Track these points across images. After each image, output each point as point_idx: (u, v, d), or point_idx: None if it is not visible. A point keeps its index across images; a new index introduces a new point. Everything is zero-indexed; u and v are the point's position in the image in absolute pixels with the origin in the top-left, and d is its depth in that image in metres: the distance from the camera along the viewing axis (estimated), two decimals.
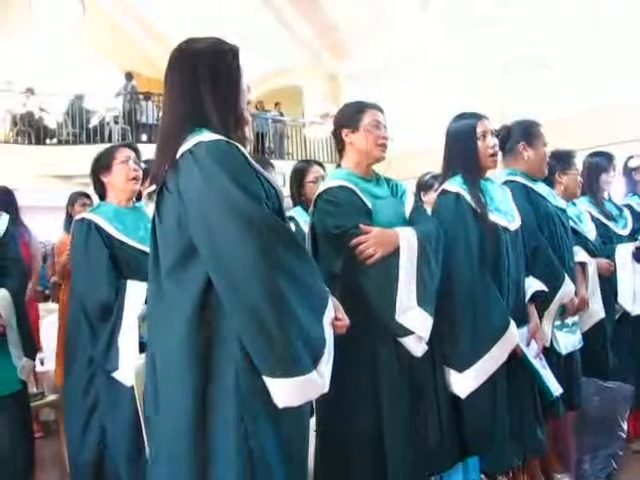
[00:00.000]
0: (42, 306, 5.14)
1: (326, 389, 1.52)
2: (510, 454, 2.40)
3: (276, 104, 14.79)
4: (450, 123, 2.65)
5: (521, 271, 2.59)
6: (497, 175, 2.89)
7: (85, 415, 2.58)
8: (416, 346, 2.18)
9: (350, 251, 2.18)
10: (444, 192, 2.56)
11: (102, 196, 2.88)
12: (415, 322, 2.15)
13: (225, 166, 1.51)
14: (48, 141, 11.88)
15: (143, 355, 2.00)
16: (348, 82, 14.74)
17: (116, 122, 11.89)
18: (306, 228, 2.58)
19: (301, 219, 3.25)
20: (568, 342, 2.85)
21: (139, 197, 2.97)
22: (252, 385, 1.50)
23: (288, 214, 2.18)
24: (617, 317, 3.38)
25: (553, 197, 2.98)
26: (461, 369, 2.34)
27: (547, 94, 10.65)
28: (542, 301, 2.68)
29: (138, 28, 15.50)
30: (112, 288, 2.53)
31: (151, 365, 1.66)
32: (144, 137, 11.79)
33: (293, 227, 2.97)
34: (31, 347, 2.97)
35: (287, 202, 2.07)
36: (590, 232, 3.37)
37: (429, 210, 2.67)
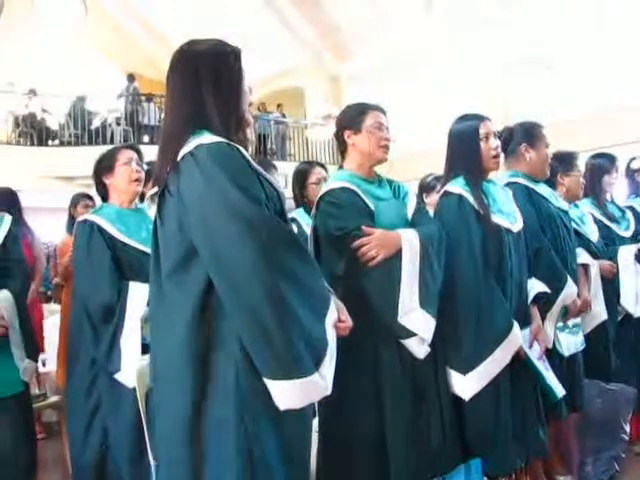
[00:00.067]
0: (44, 307, 5.14)
1: (329, 391, 1.52)
2: (513, 456, 2.40)
3: (278, 105, 14.80)
4: (452, 124, 2.65)
5: (524, 273, 2.59)
6: (499, 177, 2.89)
7: (87, 417, 2.58)
8: (418, 348, 2.18)
9: (352, 253, 2.18)
10: (446, 194, 2.56)
11: (104, 198, 2.89)
12: (417, 324, 2.15)
13: (226, 168, 1.51)
14: (50, 142, 11.90)
15: (145, 357, 2.01)
16: (350, 83, 14.74)
17: (118, 123, 11.91)
18: (308, 230, 2.58)
19: (303, 221, 3.25)
20: (570, 344, 2.85)
21: (142, 198, 2.97)
22: (253, 386, 1.50)
23: (290, 216, 2.18)
24: (619, 319, 3.37)
25: (555, 199, 2.97)
26: (465, 371, 2.34)
27: (550, 96, 10.63)
28: (544, 303, 2.68)
29: (140, 29, 15.53)
30: (114, 289, 2.53)
31: (153, 367, 1.66)
32: (146, 138, 11.81)
33: (295, 229, 2.97)
34: (33, 348, 2.97)
35: (289, 204, 2.07)
36: (592, 234, 3.36)
37: (431, 212, 2.66)
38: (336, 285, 1.99)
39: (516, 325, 2.39)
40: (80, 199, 4.40)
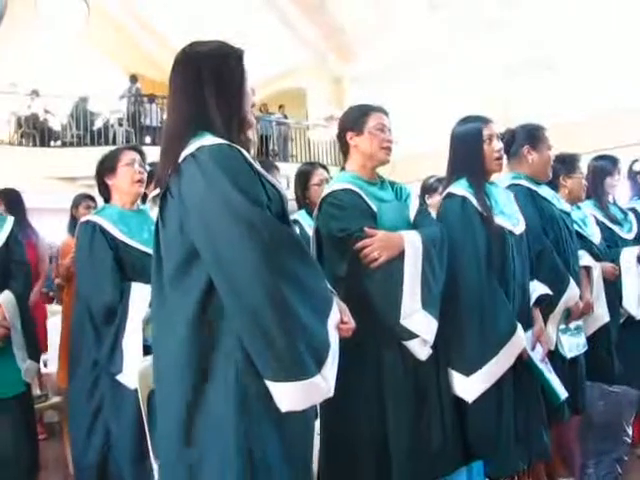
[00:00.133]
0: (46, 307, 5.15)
1: (331, 393, 1.52)
2: (516, 458, 2.39)
3: (280, 107, 14.81)
4: (455, 126, 2.65)
5: (526, 275, 2.59)
6: (501, 179, 2.89)
7: (89, 418, 2.59)
8: (421, 349, 2.18)
9: (355, 254, 2.18)
10: (450, 195, 2.56)
11: (107, 198, 2.89)
12: (420, 325, 2.15)
13: (227, 170, 1.51)
14: (52, 143, 11.94)
15: (147, 358, 2.01)
16: (353, 85, 14.76)
17: (120, 124, 11.94)
18: (310, 231, 2.58)
19: (305, 222, 3.25)
20: (572, 346, 2.84)
21: (144, 200, 2.97)
22: (254, 387, 1.50)
23: (292, 217, 2.18)
24: (622, 321, 3.36)
25: (558, 200, 2.97)
26: (468, 373, 2.34)
27: (552, 97, 10.63)
28: (547, 305, 2.67)
29: (142, 31, 15.58)
30: (117, 290, 2.54)
31: (155, 368, 1.67)
32: (148, 139, 11.83)
33: (297, 230, 2.97)
34: (35, 349, 2.97)
35: (291, 205, 2.07)
36: (595, 236, 3.36)
37: (433, 213, 2.66)
38: (338, 287, 1.98)
39: (519, 327, 2.39)
40: (82, 200, 4.40)
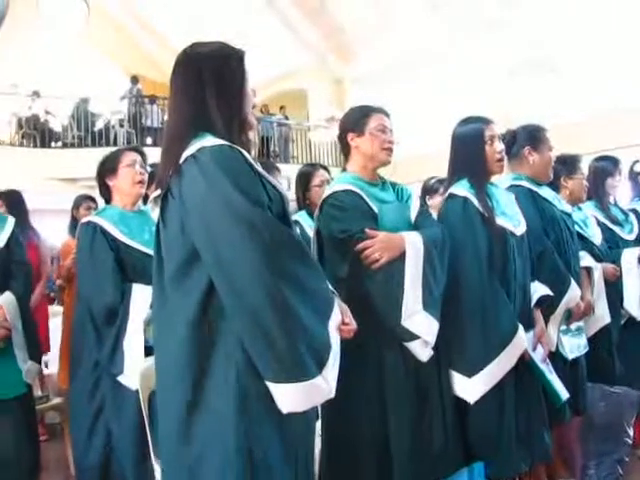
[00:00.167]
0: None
1: (332, 394, 1.52)
2: (517, 459, 2.39)
3: (281, 108, 14.80)
4: (456, 127, 2.65)
5: (527, 276, 2.59)
6: (502, 180, 2.89)
7: (91, 419, 2.59)
8: (422, 351, 2.18)
9: (356, 256, 2.18)
10: (451, 196, 2.55)
11: (108, 199, 2.89)
12: (421, 327, 2.15)
13: (228, 171, 1.51)
14: (53, 144, 11.93)
15: (148, 359, 2.01)
16: (353, 86, 14.76)
17: (121, 125, 11.93)
18: (311, 232, 2.58)
19: (306, 223, 3.25)
20: (573, 347, 2.84)
21: (145, 200, 2.98)
22: (254, 388, 1.50)
23: (293, 218, 2.18)
24: (623, 322, 3.36)
25: (559, 201, 2.97)
26: (470, 374, 2.34)
27: (553, 98, 10.62)
28: (548, 306, 2.67)
29: (143, 32, 15.58)
30: (118, 291, 2.54)
31: (157, 369, 1.67)
32: (149, 140, 11.83)
33: (298, 231, 2.97)
34: (36, 350, 2.97)
35: (292, 206, 2.07)
36: (596, 237, 3.36)
37: (434, 214, 2.66)
38: (339, 288, 1.98)
39: (521, 328, 2.39)
40: (82, 201, 4.39)
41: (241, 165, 1.57)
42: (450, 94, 11.77)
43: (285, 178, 4.97)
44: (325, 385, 1.49)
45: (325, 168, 3.58)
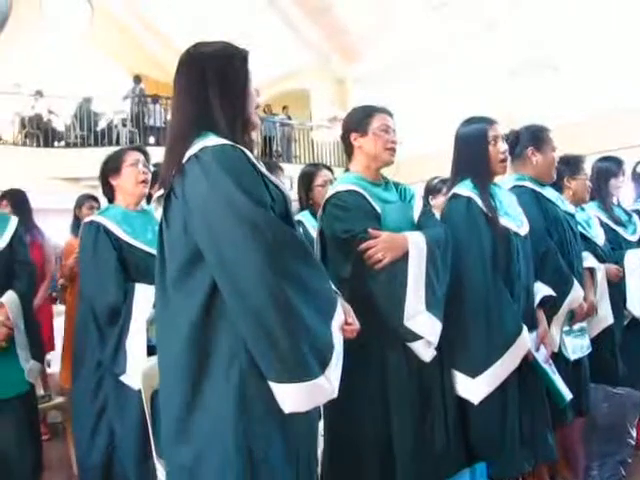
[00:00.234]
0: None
1: (335, 394, 1.52)
2: (521, 460, 2.38)
3: (284, 107, 14.81)
4: (459, 127, 2.64)
5: (530, 276, 2.58)
6: (505, 180, 2.89)
7: (93, 418, 2.59)
8: (425, 351, 2.18)
9: (359, 256, 2.18)
10: (455, 196, 2.55)
11: (111, 199, 2.89)
12: (424, 327, 2.15)
13: (230, 171, 1.51)
14: (56, 144, 11.95)
15: (151, 358, 2.01)
16: (356, 85, 14.75)
17: (124, 125, 11.94)
18: (314, 232, 2.58)
19: (309, 223, 3.25)
20: (576, 347, 2.84)
21: (149, 200, 2.98)
22: (257, 388, 1.50)
23: (296, 218, 2.18)
24: (626, 323, 3.36)
25: (562, 202, 2.97)
26: (474, 375, 2.33)
27: (556, 98, 10.60)
28: (551, 306, 2.67)
29: (146, 31, 15.59)
30: (120, 291, 2.53)
31: (159, 369, 1.67)
32: (152, 140, 11.85)
33: (301, 231, 2.97)
34: (38, 349, 2.97)
35: (294, 206, 2.07)
36: (599, 237, 3.35)
37: (437, 214, 2.66)
38: (342, 288, 1.98)
39: (525, 328, 2.38)
40: (85, 200, 4.40)
41: (244, 165, 1.57)
42: (451, 94, 11.75)
43: (288, 178, 4.97)
44: (328, 385, 1.49)
45: (328, 168, 3.58)
